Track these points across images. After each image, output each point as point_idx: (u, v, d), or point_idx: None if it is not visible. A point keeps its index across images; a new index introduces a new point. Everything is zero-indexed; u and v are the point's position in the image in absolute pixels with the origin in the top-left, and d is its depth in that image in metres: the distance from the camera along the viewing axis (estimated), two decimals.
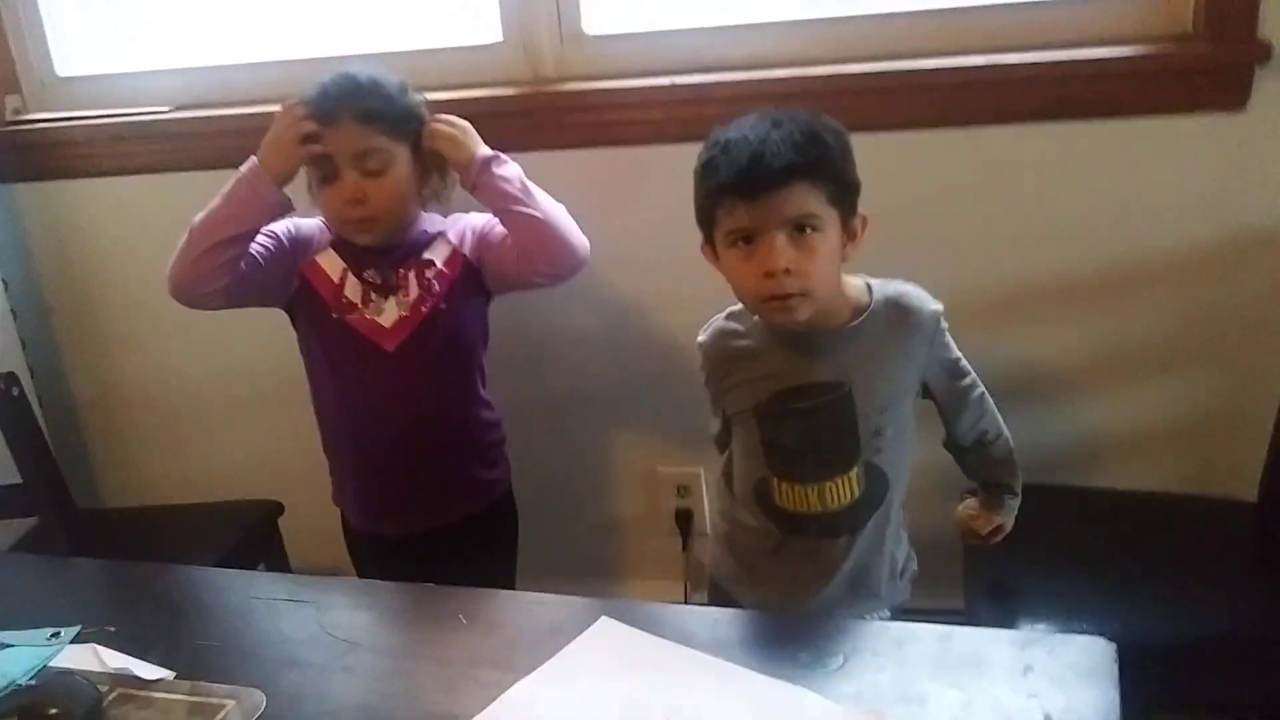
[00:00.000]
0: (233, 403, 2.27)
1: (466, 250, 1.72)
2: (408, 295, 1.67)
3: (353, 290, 1.68)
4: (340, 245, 1.71)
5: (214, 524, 2.06)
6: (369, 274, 1.68)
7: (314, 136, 1.59)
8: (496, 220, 1.69)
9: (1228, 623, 1.50)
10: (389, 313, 1.67)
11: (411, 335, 1.67)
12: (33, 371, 2.27)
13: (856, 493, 1.39)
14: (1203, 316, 1.82)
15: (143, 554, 1.90)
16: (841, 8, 1.86)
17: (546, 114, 1.93)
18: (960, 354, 1.43)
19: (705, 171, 1.31)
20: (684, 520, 2.16)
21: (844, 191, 1.30)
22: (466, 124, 1.67)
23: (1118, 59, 1.71)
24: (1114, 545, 1.66)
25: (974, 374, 1.44)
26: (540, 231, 1.63)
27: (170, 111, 2.10)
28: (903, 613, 1.49)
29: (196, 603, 1.27)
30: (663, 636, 1.08)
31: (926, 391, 1.42)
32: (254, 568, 2.03)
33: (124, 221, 2.19)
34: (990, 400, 1.46)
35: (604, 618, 1.12)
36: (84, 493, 2.42)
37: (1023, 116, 1.76)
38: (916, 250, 1.84)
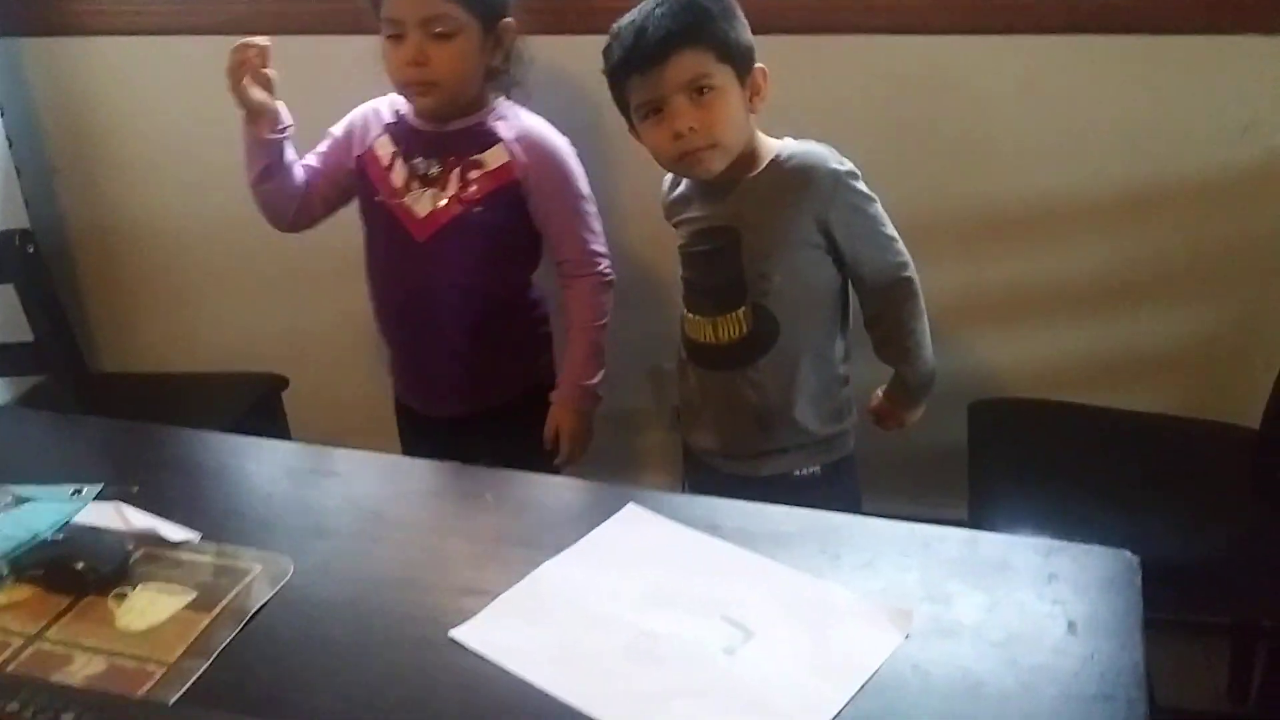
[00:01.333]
0: (239, 273, 2.25)
1: (517, 168, 1.67)
2: (445, 189, 1.66)
3: (399, 175, 1.68)
4: (396, 128, 1.70)
5: (217, 395, 2.05)
6: (417, 161, 1.67)
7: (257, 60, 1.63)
8: (548, 178, 1.69)
9: (1223, 542, 1.53)
10: (424, 203, 1.66)
11: (440, 230, 1.66)
12: (34, 231, 2.23)
13: (744, 330, 1.51)
14: (1222, 242, 1.81)
15: (147, 420, 1.92)
16: None
17: None
18: (879, 222, 1.48)
19: (606, 60, 1.47)
20: None
21: (732, 50, 1.43)
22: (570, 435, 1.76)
23: None
24: (1117, 463, 1.67)
25: (891, 247, 1.49)
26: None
27: None
28: (843, 467, 1.59)
29: (222, 467, 1.27)
30: (690, 525, 1.09)
31: (835, 250, 1.49)
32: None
33: (134, 83, 2.15)
34: (911, 284, 1.50)
35: (631, 503, 1.13)
36: (86, 357, 2.40)
37: (1061, 28, 1.73)
38: (936, 159, 1.83)
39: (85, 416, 1.50)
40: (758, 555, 1.05)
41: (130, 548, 1.10)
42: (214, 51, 1.95)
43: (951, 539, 1.06)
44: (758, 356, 1.52)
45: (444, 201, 1.65)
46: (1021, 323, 1.91)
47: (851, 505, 1.60)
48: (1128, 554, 1.01)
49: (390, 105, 1.74)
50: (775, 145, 1.51)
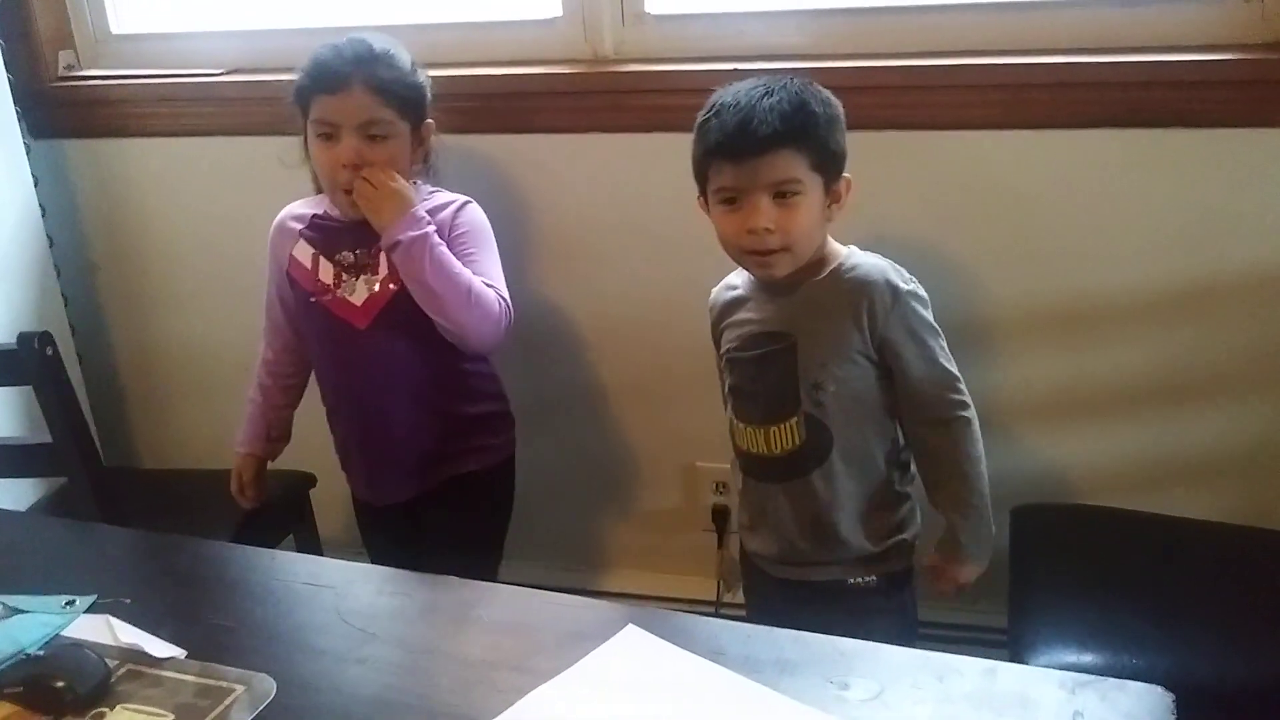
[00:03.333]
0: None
1: (440, 237, 1.69)
2: (377, 273, 1.68)
3: (326, 273, 1.72)
4: (310, 232, 1.74)
5: None
6: (341, 255, 1.71)
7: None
8: (464, 227, 1.72)
9: None
10: (359, 291, 1.69)
11: (381, 312, 1.68)
12: (74, 329, 2.27)
13: (797, 441, 1.48)
14: (1274, 340, 1.73)
15: (172, 518, 1.90)
16: (908, 0, 1.79)
17: (604, 95, 1.88)
18: (937, 353, 1.45)
19: (699, 132, 1.44)
20: (720, 517, 2.12)
21: (827, 158, 1.42)
22: (398, 187, 1.64)
23: (1204, 64, 1.63)
24: (1169, 575, 1.58)
25: (948, 382, 1.46)
26: (436, 314, 1.65)
27: (222, 74, 2.08)
28: (899, 579, 1.54)
29: (217, 579, 1.24)
30: (692, 649, 1.03)
31: (885, 364, 1.46)
32: (283, 539, 2.02)
33: (172, 182, 2.18)
34: (966, 426, 1.46)
35: (630, 625, 1.07)
36: (122, 452, 2.43)
37: (1102, 122, 1.68)
38: (974, 255, 1.78)
39: (94, 524, 1.50)
40: (761, 686, 0.98)
41: (113, 665, 1.07)
42: (252, 151, 2.00)
43: (969, 670, 0.98)
44: (810, 469, 1.48)
45: (377, 285, 1.68)
46: (1069, 425, 1.84)
47: (907, 618, 1.58)
48: (1161, 690, 0.93)
49: (289, 214, 1.78)
50: (841, 252, 1.49)
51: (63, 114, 2.18)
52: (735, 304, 1.55)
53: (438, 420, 1.77)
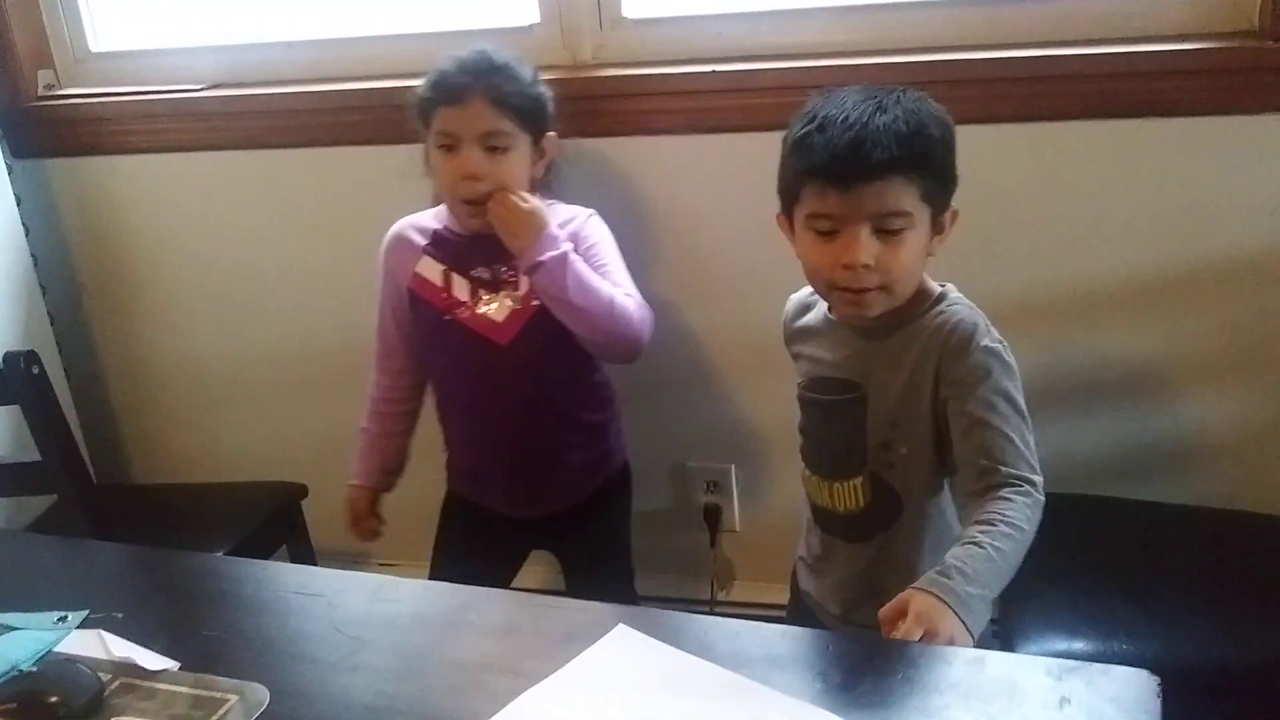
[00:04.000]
0: (261, 384, 2.26)
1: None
2: (518, 289, 1.67)
3: (461, 289, 1.70)
4: (436, 247, 1.72)
5: (237, 504, 2.04)
6: (476, 271, 1.69)
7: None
8: (594, 239, 1.70)
9: (1275, 647, 1.44)
10: (502, 308, 1.67)
11: (524, 328, 1.67)
12: (61, 347, 2.27)
13: (861, 502, 1.33)
14: (1259, 326, 1.75)
15: (165, 532, 1.92)
16: None
17: (584, 100, 1.88)
18: (998, 394, 1.23)
19: (798, 148, 1.24)
20: (713, 516, 2.13)
21: (941, 187, 1.24)
22: (531, 208, 1.62)
23: (1177, 54, 1.65)
24: (1157, 561, 1.60)
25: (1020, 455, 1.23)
26: (581, 330, 1.64)
27: (203, 90, 2.08)
28: None
29: (208, 592, 1.25)
30: (682, 648, 1.04)
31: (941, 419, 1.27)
32: (276, 550, 2.02)
33: (155, 199, 2.18)
34: (1032, 485, 1.22)
35: (621, 625, 1.08)
36: (113, 469, 2.43)
37: (1078, 113, 1.70)
38: (961, 246, 1.78)
39: (86, 540, 1.50)
40: (751, 681, 0.99)
41: (106, 679, 1.07)
42: (234, 166, 2.00)
43: (956, 659, 0.99)
44: (874, 534, 1.34)
45: (519, 304, 1.67)
46: (1051, 415, 1.83)
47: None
48: (1146, 674, 0.94)
49: (413, 227, 1.75)
50: (932, 293, 1.31)
51: (44, 133, 2.18)
52: (806, 333, 1.39)
53: (580, 431, 1.77)
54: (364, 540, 1.85)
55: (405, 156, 1.71)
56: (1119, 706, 0.92)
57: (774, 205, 1.79)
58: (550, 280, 1.60)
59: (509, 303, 1.67)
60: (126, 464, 2.44)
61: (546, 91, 1.69)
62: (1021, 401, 1.25)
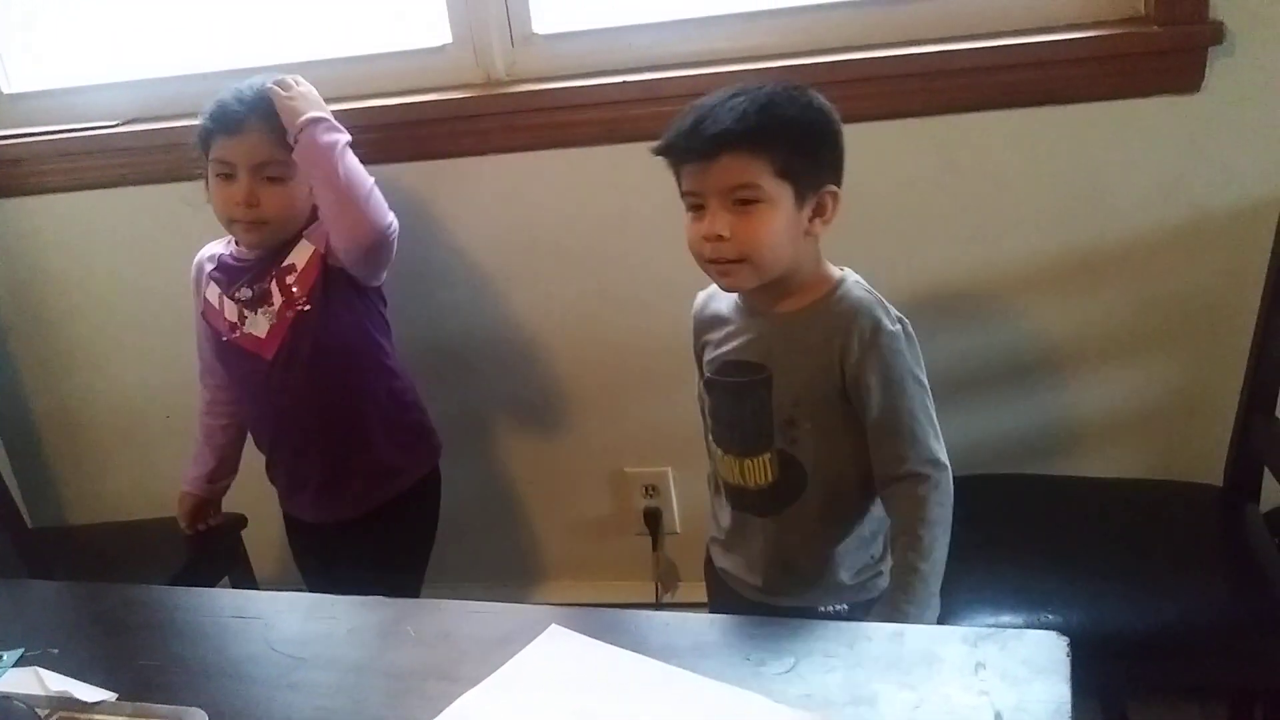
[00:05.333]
0: (193, 418, 2.23)
1: (320, 245, 1.71)
2: (273, 304, 1.71)
3: (231, 311, 1.75)
4: (218, 273, 1.77)
5: (176, 539, 2.02)
6: (240, 292, 1.73)
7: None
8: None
9: (1195, 608, 1.48)
10: (261, 324, 1.72)
11: (284, 342, 1.71)
12: None
13: (770, 477, 1.39)
14: (1164, 301, 1.81)
15: (104, 570, 1.91)
16: (790, 0, 1.84)
17: (499, 116, 1.90)
18: (917, 405, 1.32)
19: (664, 134, 1.34)
20: (653, 520, 2.15)
21: (797, 166, 1.29)
22: (309, 90, 1.68)
23: (1069, 43, 1.69)
24: (1078, 533, 1.64)
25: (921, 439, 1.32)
26: (336, 198, 1.64)
27: (119, 125, 2.07)
28: (870, 604, 1.44)
29: (144, 622, 1.25)
30: (614, 643, 1.07)
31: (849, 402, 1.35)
32: (218, 581, 2.01)
33: (77, 237, 2.17)
34: (934, 468, 1.32)
35: (554, 625, 1.10)
36: (48, 510, 2.40)
37: (976, 105, 1.74)
38: (874, 241, 1.83)
39: (20, 580, 1.50)
40: (681, 670, 1.02)
41: (44, 714, 1.08)
42: (155, 201, 1.99)
43: (878, 635, 1.03)
44: (783, 506, 1.40)
45: (274, 318, 1.71)
46: (973, 400, 1.89)
47: None
48: (1055, 635, 0.98)
49: (207, 254, 1.82)
50: (832, 280, 1.37)
51: None
52: (716, 322, 1.45)
53: (358, 441, 1.78)
54: (189, 533, 1.94)
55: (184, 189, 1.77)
56: (1031, 668, 0.96)
57: None
58: (320, 148, 1.62)
59: (266, 318, 1.72)
60: (61, 506, 2.42)
61: None
62: (923, 375, 1.34)
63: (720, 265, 1.31)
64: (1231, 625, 1.47)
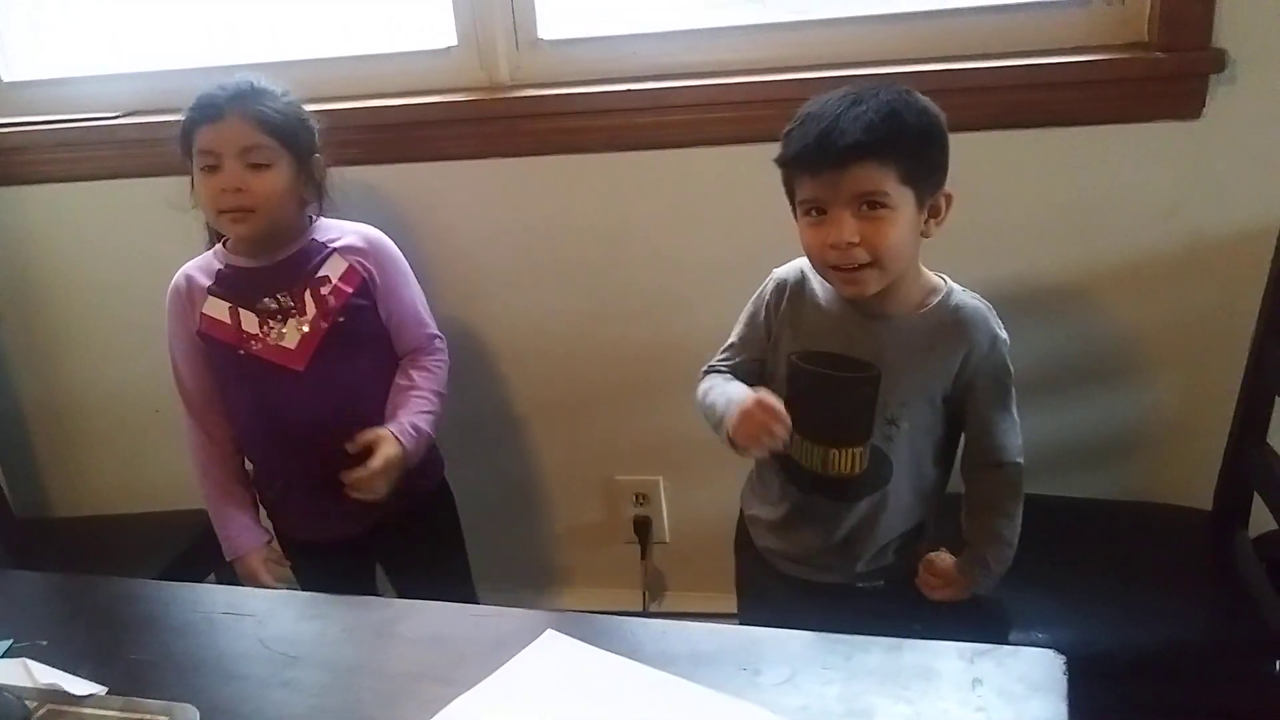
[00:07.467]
0: (182, 412, 2.23)
1: (360, 269, 1.71)
2: (305, 313, 1.68)
3: (250, 323, 1.70)
4: (221, 285, 1.72)
5: (163, 533, 2.01)
6: (262, 303, 1.69)
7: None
8: (388, 261, 1.74)
9: (1182, 631, 1.50)
10: (290, 335, 1.68)
11: (317, 351, 1.68)
12: None
13: (858, 469, 1.42)
14: (1158, 325, 1.82)
15: (91, 564, 1.89)
16: (797, 14, 1.85)
17: (501, 120, 1.90)
18: (1013, 401, 1.43)
19: (783, 142, 1.36)
20: (643, 528, 2.15)
21: (920, 171, 1.32)
22: (381, 465, 1.63)
23: (1073, 66, 1.70)
24: (1068, 554, 1.64)
25: (1016, 430, 1.44)
26: None
27: (119, 117, 2.06)
28: (904, 582, 1.49)
29: (135, 616, 1.24)
30: (610, 649, 1.07)
31: (961, 412, 1.43)
32: (205, 577, 2.00)
33: (73, 228, 2.15)
34: (1020, 472, 1.44)
35: (549, 630, 1.10)
36: (34, 502, 2.38)
37: (977, 125, 1.74)
38: None
39: (9, 571, 1.48)
40: (677, 678, 1.02)
41: (32, 706, 1.07)
42: (150, 193, 1.98)
43: (874, 648, 1.03)
44: (863, 496, 1.44)
45: (308, 326, 1.68)
46: None
47: (905, 618, 1.43)
48: (1052, 654, 0.99)
49: (195, 270, 1.75)
50: (938, 286, 1.43)
51: None
52: (811, 311, 1.45)
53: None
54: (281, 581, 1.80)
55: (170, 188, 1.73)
56: (1028, 685, 0.96)
57: (689, 219, 1.83)
58: (424, 437, 1.71)
59: (298, 328, 1.69)
60: (48, 498, 2.40)
61: (310, 117, 1.72)
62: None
63: (845, 272, 1.33)
64: (1220, 648, 1.49)
